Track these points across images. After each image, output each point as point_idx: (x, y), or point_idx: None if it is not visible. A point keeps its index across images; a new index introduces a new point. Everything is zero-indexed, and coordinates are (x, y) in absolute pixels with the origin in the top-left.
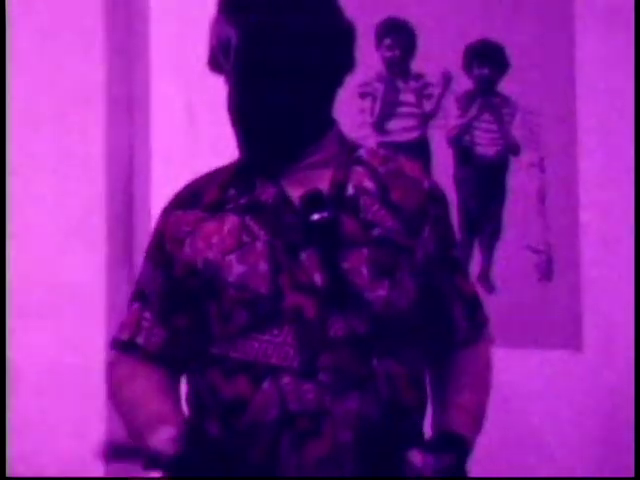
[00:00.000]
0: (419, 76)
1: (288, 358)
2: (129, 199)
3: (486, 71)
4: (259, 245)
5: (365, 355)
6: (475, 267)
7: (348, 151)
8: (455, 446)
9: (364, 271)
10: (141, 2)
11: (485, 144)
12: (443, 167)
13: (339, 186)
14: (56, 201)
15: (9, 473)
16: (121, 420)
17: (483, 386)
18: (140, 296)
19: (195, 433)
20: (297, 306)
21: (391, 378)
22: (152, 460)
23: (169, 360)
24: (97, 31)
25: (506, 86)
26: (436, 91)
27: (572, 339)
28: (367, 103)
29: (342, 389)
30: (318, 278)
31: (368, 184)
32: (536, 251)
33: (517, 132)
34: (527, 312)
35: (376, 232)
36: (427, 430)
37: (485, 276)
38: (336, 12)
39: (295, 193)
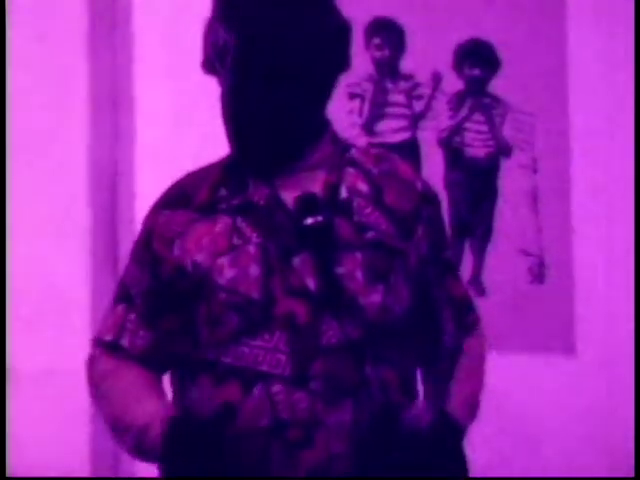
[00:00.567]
0: (409, 76)
1: (280, 365)
2: (113, 200)
3: (477, 71)
4: (251, 248)
5: (358, 362)
6: (466, 270)
7: (340, 152)
8: (449, 424)
9: (358, 275)
10: (125, 3)
11: (476, 145)
12: (433, 169)
13: (333, 189)
14: (39, 201)
15: (9, 473)
16: (102, 411)
17: (475, 376)
18: (124, 297)
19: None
20: (289, 311)
21: (385, 385)
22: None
23: (153, 362)
24: (81, 28)
25: (497, 86)
26: (426, 91)
27: (565, 343)
28: (356, 104)
29: (335, 398)
30: (311, 283)
31: (361, 186)
32: (528, 254)
33: (508, 133)
34: (519, 316)
35: (370, 235)
36: None
37: (476, 279)
38: (333, 10)
39: (288, 195)
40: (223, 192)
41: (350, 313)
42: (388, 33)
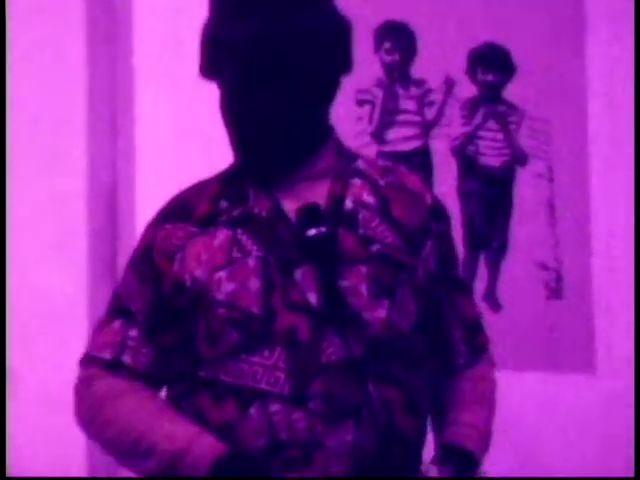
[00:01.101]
0: (420, 82)
1: (278, 384)
2: (113, 214)
3: (491, 77)
4: (251, 261)
5: (360, 380)
6: (481, 284)
7: (346, 161)
8: (459, 457)
9: (363, 290)
10: (125, 7)
11: (490, 154)
12: (446, 179)
13: (337, 200)
14: (39, 214)
15: (9, 473)
16: (105, 434)
17: (487, 405)
18: (122, 312)
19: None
20: (290, 327)
21: (388, 404)
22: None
23: (156, 380)
24: (79, 39)
25: (512, 92)
26: (438, 98)
27: (583, 362)
28: (365, 110)
29: (335, 418)
30: (313, 297)
31: (368, 198)
32: (545, 267)
33: (524, 141)
34: (535, 332)
35: (375, 248)
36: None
37: (491, 294)
38: (332, 10)
39: (291, 206)
40: (224, 204)
41: (353, 329)
42: (398, 36)
